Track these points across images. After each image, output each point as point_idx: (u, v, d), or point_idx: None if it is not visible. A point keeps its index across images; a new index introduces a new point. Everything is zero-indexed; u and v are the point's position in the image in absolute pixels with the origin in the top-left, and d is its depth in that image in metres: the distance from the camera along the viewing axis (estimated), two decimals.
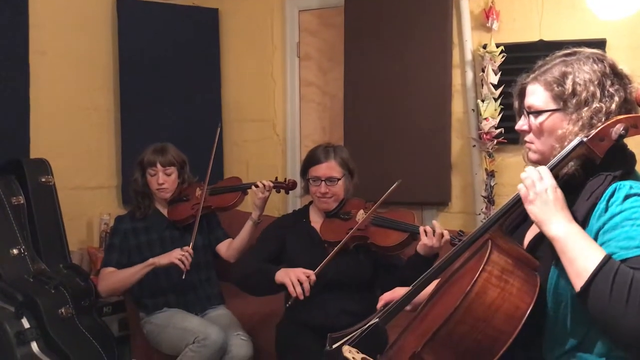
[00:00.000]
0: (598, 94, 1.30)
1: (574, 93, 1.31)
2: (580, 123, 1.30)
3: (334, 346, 1.74)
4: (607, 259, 1.14)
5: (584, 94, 1.30)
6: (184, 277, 2.55)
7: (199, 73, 3.88)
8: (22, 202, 2.83)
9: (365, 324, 1.65)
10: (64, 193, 3.09)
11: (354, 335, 1.68)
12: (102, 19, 3.54)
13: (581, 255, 1.17)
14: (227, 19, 4.03)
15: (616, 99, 1.30)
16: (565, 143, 1.31)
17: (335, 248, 2.26)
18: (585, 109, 1.30)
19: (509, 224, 1.51)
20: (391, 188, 2.23)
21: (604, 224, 1.21)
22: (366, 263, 2.40)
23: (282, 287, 2.24)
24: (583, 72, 1.32)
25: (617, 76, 1.33)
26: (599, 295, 1.12)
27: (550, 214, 1.24)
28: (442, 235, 2.16)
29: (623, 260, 1.15)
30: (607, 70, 1.32)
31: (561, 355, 1.29)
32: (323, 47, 3.87)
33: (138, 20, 3.60)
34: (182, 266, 2.53)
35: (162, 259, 2.59)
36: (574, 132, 1.30)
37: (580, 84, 1.31)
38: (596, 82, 1.31)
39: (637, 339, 1.09)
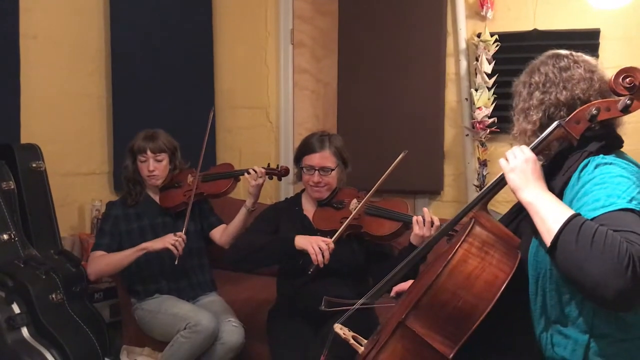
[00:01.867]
0: (524, 94, 1.50)
1: (514, 93, 1.56)
2: (520, 119, 1.50)
3: (327, 309, 1.83)
4: (575, 215, 1.22)
5: (517, 94, 1.54)
6: (176, 262, 2.54)
7: (192, 59, 3.85)
8: (12, 187, 2.79)
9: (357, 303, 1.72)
10: (55, 179, 3.07)
11: (345, 313, 1.73)
12: (94, 3, 3.50)
13: (551, 214, 1.25)
14: (221, 5, 4.01)
15: (535, 97, 1.47)
16: (526, 138, 1.47)
17: (343, 225, 2.26)
18: (519, 106, 1.51)
19: (505, 220, 1.55)
20: (397, 159, 2.21)
21: (577, 192, 1.30)
22: (359, 251, 2.41)
23: (297, 254, 2.24)
24: (522, 75, 1.54)
25: (561, 71, 1.46)
26: (566, 245, 1.19)
27: (526, 181, 1.35)
28: (432, 222, 2.17)
29: (591, 220, 1.22)
30: (542, 73, 1.48)
31: (545, 327, 1.35)
32: (317, 35, 3.86)
33: (130, 5, 3.56)
34: (175, 251, 2.52)
35: (155, 244, 2.58)
36: (520, 128, 1.50)
37: (517, 85, 1.55)
38: (522, 83, 1.52)
39: (600, 286, 1.14)
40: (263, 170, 2.66)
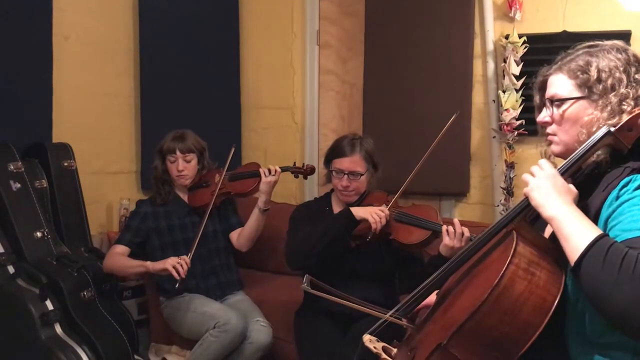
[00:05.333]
0: (624, 80, 1.31)
1: (599, 79, 1.32)
2: (608, 109, 1.31)
3: (309, 289, 1.82)
4: (602, 236, 1.15)
5: (609, 80, 1.31)
6: (177, 285, 2.49)
7: (219, 60, 3.88)
8: (45, 185, 2.85)
9: (384, 319, 1.66)
10: (84, 177, 3.11)
11: (375, 324, 1.70)
12: (124, 4, 3.54)
13: (576, 232, 1.18)
14: (248, 6, 4.03)
15: None
16: (594, 129, 1.31)
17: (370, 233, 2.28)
18: (612, 94, 1.31)
19: (530, 215, 1.51)
20: (449, 122, 2.21)
21: (614, 211, 1.22)
22: (387, 256, 2.40)
23: (357, 226, 2.29)
24: (607, 60, 1.33)
25: None
26: (591, 267, 1.13)
27: (546, 198, 1.26)
28: (462, 234, 2.15)
29: (623, 242, 1.15)
30: (631, 59, 1.33)
31: (583, 350, 1.28)
32: (343, 36, 3.86)
33: (159, 7, 3.60)
34: (175, 274, 2.46)
35: (157, 265, 2.56)
36: (602, 118, 1.31)
37: (605, 71, 1.32)
38: (622, 69, 1.32)
39: (625, 314, 1.08)
40: (279, 170, 2.68)
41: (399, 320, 1.64)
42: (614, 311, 1.10)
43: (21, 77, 2.96)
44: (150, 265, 2.58)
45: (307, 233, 2.35)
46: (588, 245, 1.14)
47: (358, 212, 2.29)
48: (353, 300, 1.81)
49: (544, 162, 1.32)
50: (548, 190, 1.27)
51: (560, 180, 1.29)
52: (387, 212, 2.26)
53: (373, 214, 2.26)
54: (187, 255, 2.53)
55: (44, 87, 3.08)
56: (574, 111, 1.36)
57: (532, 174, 1.33)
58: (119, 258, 2.69)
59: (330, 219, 2.36)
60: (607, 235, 1.16)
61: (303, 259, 2.36)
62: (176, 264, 2.47)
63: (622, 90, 1.30)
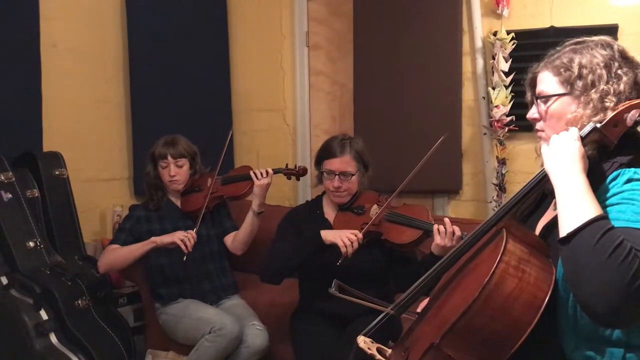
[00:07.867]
0: (605, 76, 1.31)
1: (580, 76, 1.32)
2: (591, 105, 1.31)
3: (337, 294, 1.81)
4: (602, 217, 1.15)
5: (590, 77, 1.31)
6: (184, 258, 2.54)
7: (209, 63, 3.88)
8: (36, 195, 2.85)
9: (382, 317, 1.66)
10: (76, 185, 3.11)
11: (370, 325, 1.69)
12: (112, 11, 3.54)
13: (578, 204, 1.18)
14: (236, 9, 4.03)
15: (625, 79, 1.31)
16: (578, 127, 1.31)
17: (364, 230, 2.27)
18: (593, 91, 1.31)
19: (520, 213, 1.52)
20: (436, 144, 2.17)
21: (601, 202, 1.22)
22: (379, 257, 2.40)
23: (327, 249, 2.26)
24: (590, 56, 1.33)
25: (625, 60, 1.34)
26: (582, 244, 1.13)
27: (562, 160, 1.25)
28: (453, 233, 2.16)
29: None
30: (616, 55, 1.34)
31: (577, 345, 1.29)
32: (332, 36, 3.87)
33: (147, 12, 3.59)
34: (183, 246, 2.52)
35: (165, 238, 2.60)
36: (585, 115, 1.31)
37: (586, 67, 1.32)
38: (602, 65, 1.32)
39: (598, 296, 1.09)
40: (271, 172, 2.67)
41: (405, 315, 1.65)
42: (587, 291, 1.11)
43: (9, 86, 2.95)
44: (158, 239, 2.60)
45: (279, 251, 2.36)
46: (586, 222, 1.14)
47: (328, 236, 2.26)
48: (379, 303, 1.80)
49: (572, 128, 1.30)
50: (563, 155, 1.25)
51: (581, 148, 1.27)
52: (360, 236, 2.22)
53: (344, 238, 2.21)
54: (193, 230, 2.58)
55: (33, 95, 3.07)
56: (558, 107, 1.37)
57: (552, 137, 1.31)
58: (118, 250, 2.68)
59: (301, 242, 2.34)
60: (607, 217, 1.16)
61: (271, 277, 2.41)
62: (183, 237, 2.53)
63: (602, 86, 1.31)
